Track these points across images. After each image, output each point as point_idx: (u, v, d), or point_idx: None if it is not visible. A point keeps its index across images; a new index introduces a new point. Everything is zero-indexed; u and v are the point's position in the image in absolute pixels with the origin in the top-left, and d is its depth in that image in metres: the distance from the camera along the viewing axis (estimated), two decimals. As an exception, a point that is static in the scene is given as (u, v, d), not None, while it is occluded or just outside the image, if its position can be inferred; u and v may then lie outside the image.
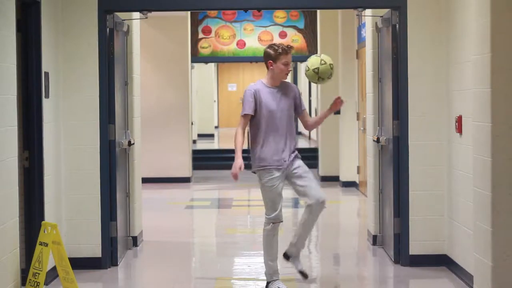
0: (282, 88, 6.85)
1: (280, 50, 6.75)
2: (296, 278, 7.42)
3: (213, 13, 16.32)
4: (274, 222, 6.76)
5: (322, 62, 6.76)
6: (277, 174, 6.76)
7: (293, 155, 6.83)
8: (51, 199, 7.33)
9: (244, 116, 6.77)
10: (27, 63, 6.96)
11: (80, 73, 7.82)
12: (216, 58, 16.94)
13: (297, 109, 6.90)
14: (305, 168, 6.87)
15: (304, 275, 7.00)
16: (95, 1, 7.81)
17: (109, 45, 7.93)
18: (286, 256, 7.04)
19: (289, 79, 28.44)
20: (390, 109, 8.05)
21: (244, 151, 6.87)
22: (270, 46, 6.82)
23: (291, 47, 6.82)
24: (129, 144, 8.61)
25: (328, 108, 6.94)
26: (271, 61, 6.77)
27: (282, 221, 6.80)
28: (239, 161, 6.66)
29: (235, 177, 6.67)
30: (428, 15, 7.75)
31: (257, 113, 6.77)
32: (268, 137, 6.78)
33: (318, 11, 15.48)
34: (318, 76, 6.78)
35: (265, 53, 6.82)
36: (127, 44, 8.86)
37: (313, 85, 21.29)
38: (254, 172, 6.85)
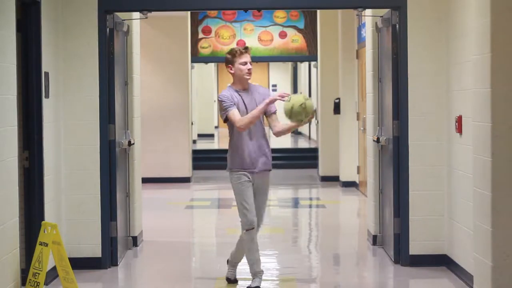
0: (251, 91, 6.94)
1: (233, 53, 6.86)
2: (296, 278, 7.43)
3: (213, 13, 16.32)
4: (247, 228, 6.81)
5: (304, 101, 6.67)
6: (245, 178, 6.84)
7: (269, 166, 6.93)
8: (51, 199, 7.33)
9: (233, 112, 6.76)
10: (27, 63, 6.95)
11: (80, 73, 7.82)
12: (216, 58, 16.93)
13: (266, 111, 6.90)
14: (267, 187, 6.99)
15: (232, 281, 7.17)
16: (95, 1, 7.81)
17: (109, 45, 7.93)
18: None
19: (288, 78, 28.23)
20: (390, 109, 8.05)
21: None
22: (228, 52, 6.95)
23: (247, 47, 6.92)
24: (129, 144, 8.61)
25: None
26: (229, 65, 6.89)
27: (254, 227, 6.81)
28: (263, 105, 6.75)
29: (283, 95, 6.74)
30: (428, 15, 7.75)
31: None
32: (241, 141, 6.85)
33: (318, 11, 15.48)
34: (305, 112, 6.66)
35: (225, 61, 6.95)
36: (127, 44, 8.86)
37: (313, 85, 21.28)
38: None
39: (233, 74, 6.91)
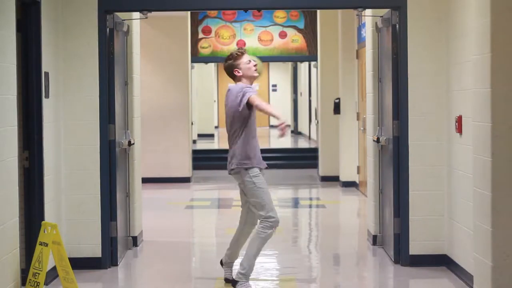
0: None
1: (236, 55, 6.89)
2: (296, 278, 7.42)
3: (213, 13, 16.32)
4: (276, 226, 6.82)
5: None
6: (261, 174, 6.91)
7: None
8: (51, 199, 7.33)
9: (254, 95, 6.76)
10: (27, 63, 6.95)
11: (80, 73, 7.82)
12: (216, 58, 16.94)
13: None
14: None
15: (230, 281, 7.07)
16: (95, 1, 7.81)
17: (109, 45, 7.93)
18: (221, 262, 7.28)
19: (288, 78, 28.22)
20: (390, 109, 8.05)
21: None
22: (226, 59, 6.95)
23: (242, 48, 7.01)
24: (129, 144, 8.61)
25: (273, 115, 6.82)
26: (236, 69, 6.89)
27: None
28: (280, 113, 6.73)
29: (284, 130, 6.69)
30: (428, 15, 7.75)
31: (251, 113, 6.86)
32: (255, 138, 6.92)
33: (318, 11, 15.48)
34: None
35: (227, 67, 6.96)
36: (127, 44, 8.86)
37: (313, 85, 21.27)
38: (232, 170, 6.90)
39: (241, 76, 6.90)
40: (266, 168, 6.98)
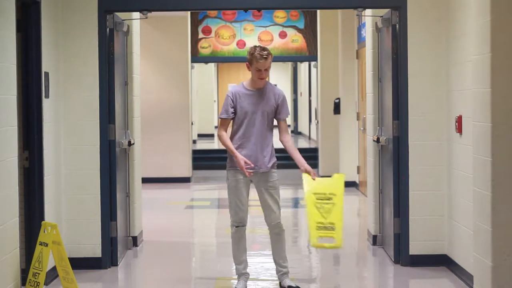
0: (265, 91, 6.83)
1: (253, 55, 6.71)
2: (296, 278, 7.42)
3: (213, 13, 16.32)
4: (237, 225, 6.83)
5: None
6: (242, 177, 6.79)
7: (269, 165, 6.84)
8: (51, 199, 7.33)
9: (222, 119, 6.84)
10: (27, 63, 6.96)
11: (80, 73, 7.82)
12: (216, 58, 16.94)
13: (276, 115, 6.89)
14: (275, 184, 6.90)
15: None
16: (95, 1, 7.81)
17: (109, 45, 7.93)
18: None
19: (288, 79, 28.20)
20: (390, 109, 8.06)
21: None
22: (250, 48, 6.80)
23: (267, 54, 6.69)
24: (129, 144, 8.61)
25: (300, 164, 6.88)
26: (248, 64, 6.79)
27: (245, 226, 6.85)
28: (239, 156, 6.69)
29: (247, 171, 6.68)
30: (428, 15, 7.75)
31: (235, 115, 6.82)
32: (243, 139, 6.80)
33: (318, 11, 15.49)
34: None
35: (247, 53, 6.84)
36: (127, 44, 8.86)
37: (313, 85, 21.27)
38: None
39: (250, 72, 6.83)
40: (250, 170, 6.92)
